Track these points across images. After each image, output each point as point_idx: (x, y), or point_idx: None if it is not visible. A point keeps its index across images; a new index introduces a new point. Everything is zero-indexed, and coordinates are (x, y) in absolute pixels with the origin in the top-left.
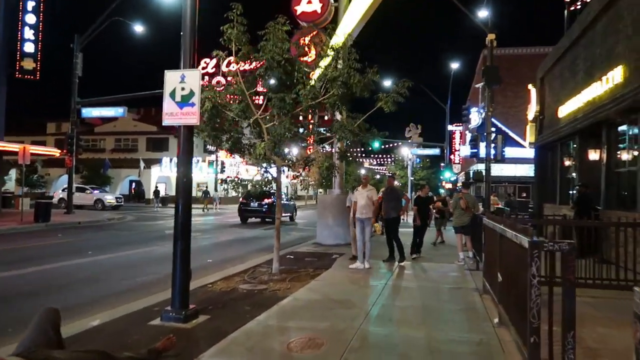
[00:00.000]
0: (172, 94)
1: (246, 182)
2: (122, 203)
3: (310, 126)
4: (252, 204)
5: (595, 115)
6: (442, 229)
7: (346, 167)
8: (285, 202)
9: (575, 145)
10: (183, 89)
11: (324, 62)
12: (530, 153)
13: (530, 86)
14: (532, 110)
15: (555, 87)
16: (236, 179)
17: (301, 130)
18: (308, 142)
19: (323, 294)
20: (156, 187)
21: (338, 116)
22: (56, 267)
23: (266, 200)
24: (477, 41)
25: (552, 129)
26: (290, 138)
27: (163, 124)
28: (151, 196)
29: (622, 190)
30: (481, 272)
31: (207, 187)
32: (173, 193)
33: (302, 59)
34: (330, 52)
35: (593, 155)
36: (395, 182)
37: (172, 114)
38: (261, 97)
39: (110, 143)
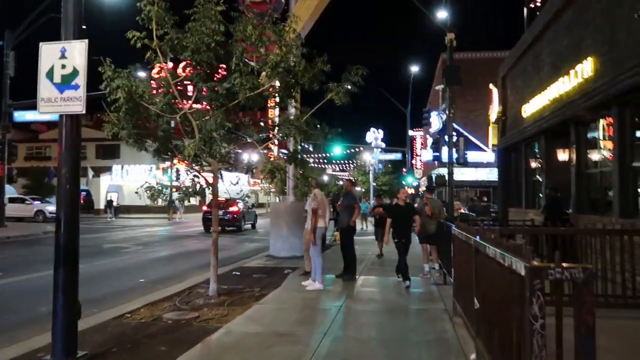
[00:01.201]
0: (50, 74)
1: (166, 189)
2: None
3: (252, 122)
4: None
5: (563, 112)
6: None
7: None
8: (246, 210)
9: (541, 146)
10: (64, 66)
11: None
12: (490, 157)
13: (491, 86)
14: (494, 111)
15: (518, 85)
16: (156, 185)
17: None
18: (248, 140)
19: (263, 324)
20: (109, 197)
21: (292, 110)
22: None
23: (231, 209)
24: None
25: (516, 130)
26: (224, 135)
27: (38, 112)
28: (101, 206)
29: (594, 193)
30: (450, 287)
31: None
32: (125, 202)
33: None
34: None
35: (562, 155)
36: (357, 188)
37: (50, 100)
38: (191, 87)
39: (55, 150)
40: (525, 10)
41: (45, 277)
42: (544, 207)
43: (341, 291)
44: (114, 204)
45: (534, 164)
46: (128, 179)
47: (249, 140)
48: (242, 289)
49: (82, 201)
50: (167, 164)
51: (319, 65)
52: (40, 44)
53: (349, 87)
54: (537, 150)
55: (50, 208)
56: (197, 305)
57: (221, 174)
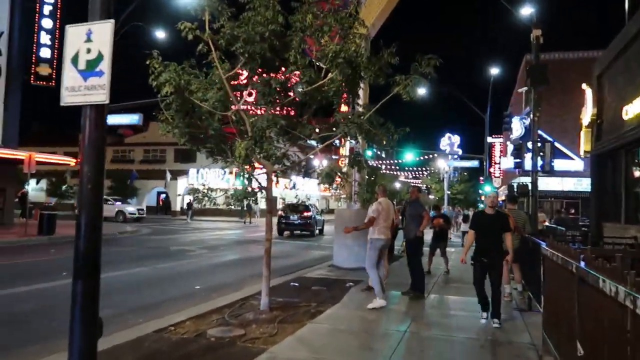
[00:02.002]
0: (75, 60)
1: (215, 193)
2: (145, 215)
3: (309, 120)
4: (291, 217)
5: None
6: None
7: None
8: (314, 216)
9: None
10: (89, 50)
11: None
12: (578, 166)
13: (584, 86)
14: (588, 113)
15: (618, 83)
16: (205, 190)
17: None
18: (306, 140)
19: (313, 349)
20: (188, 199)
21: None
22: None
23: (305, 214)
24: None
25: (615, 135)
26: (277, 134)
27: (62, 103)
28: (178, 208)
29: None
30: (536, 314)
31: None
32: (200, 205)
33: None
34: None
35: None
36: (431, 197)
37: (74, 89)
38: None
39: (139, 154)
40: None
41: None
42: None
43: (406, 312)
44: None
45: (637, 173)
46: (203, 181)
47: (309, 142)
48: (297, 303)
49: (160, 203)
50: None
51: (386, 57)
52: (67, 26)
53: (420, 79)
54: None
55: (130, 209)
56: (246, 320)
57: (277, 177)
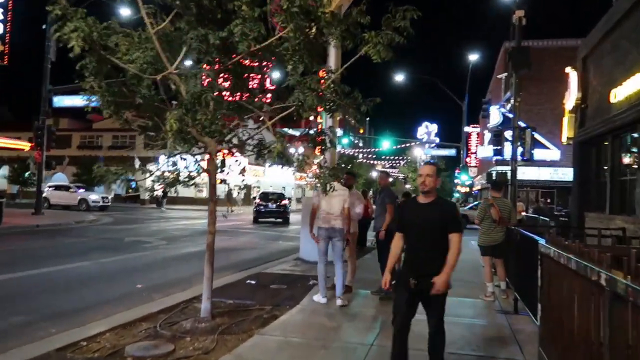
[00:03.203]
0: None
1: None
2: (109, 203)
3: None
4: (268, 205)
5: None
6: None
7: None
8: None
9: (637, 137)
10: None
11: None
12: (555, 155)
13: (568, 69)
14: (572, 98)
15: (605, 65)
16: (161, 176)
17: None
18: (255, 112)
19: None
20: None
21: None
22: None
23: (281, 202)
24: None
25: (601, 119)
26: (215, 102)
27: None
28: (147, 196)
29: None
30: (523, 317)
31: (229, 189)
32: (171, 193)
33: None
34: None
35: None
36: (407, 186)
37: None
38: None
39: (107, 140)
40: None
41: (25, 277)
42: None
43: (374, 317)
44: (158, 195)
45: (626, 160)
46: (172, 168)
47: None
48: (249, 307)
49: (129, 191)
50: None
51: (354, 15)
52: None
53: (393, 36)
54: (629, 143)
55: (94, 197)
56: (181, 331)
57: (223, 161)
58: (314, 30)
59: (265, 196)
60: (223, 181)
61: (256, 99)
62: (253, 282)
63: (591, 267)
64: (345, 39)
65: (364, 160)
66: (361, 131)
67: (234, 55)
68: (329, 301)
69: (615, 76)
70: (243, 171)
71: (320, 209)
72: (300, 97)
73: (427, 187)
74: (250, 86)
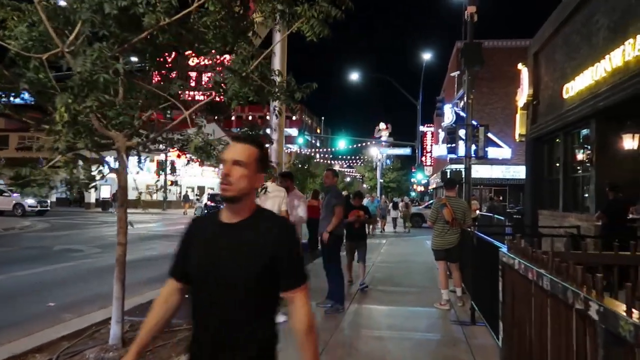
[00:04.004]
0: None
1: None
2: (48, 208)
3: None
4: (220, 206)
5: (635, 84)
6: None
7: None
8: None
9: (591, 132)
10: None
11: None
12: (506, 153)
13: (520, 66)
14: (524, 95)
15: (557, 61)
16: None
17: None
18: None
19: None
20: (112, 190)
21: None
22: None
23: None
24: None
25: (553, 115)
26: (129, 88)
27: None
28: (92, 200)
29: None
30: (480, 328)
31: (187, 191)
32: (114, 197)
33: None
34: None
35: (624, 143)
36: (365, 185)
37: None
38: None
39: (14, 140)
40: None
41: None
42: (602, 212)
43: (318, 335)
44: (107, 197)
45: (579, 156)
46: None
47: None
48: (175, 326)
49: (75, 195)
50: (163, 156)
51: None
52: None
53: (330, 9)
54: (582, 139)
55: (30, 201)
56: None
57: (140, 158)
58: (238, 2)
59: (212, 197)
60: (175, 182)
61: (186, 95)
62: (186, 295)
63: (573, 290)
64: (273, 15)
65: (321, 160)
66: (318, 131)
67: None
68: None
69: (567, 72)
70: (173, 170)
71: None
72: (218, 79)
73: (231, 190)
74: (168, 73)
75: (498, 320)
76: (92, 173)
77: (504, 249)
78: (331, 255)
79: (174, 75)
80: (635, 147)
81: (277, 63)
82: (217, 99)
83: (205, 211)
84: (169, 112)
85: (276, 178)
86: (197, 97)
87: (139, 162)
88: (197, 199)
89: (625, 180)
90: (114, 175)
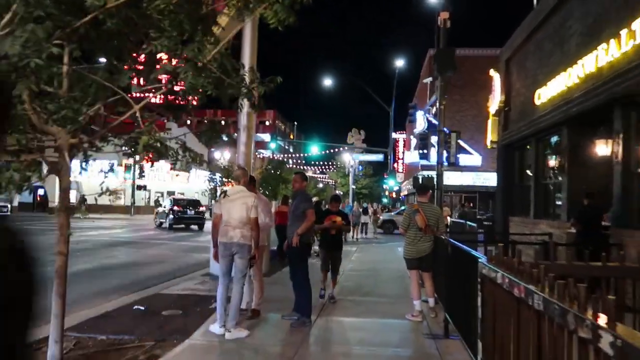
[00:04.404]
0: None
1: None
2: (8, 212)
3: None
4: (187, 211)
5: (606, 90)
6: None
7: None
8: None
9: (563, 139)
10: None
11: None
12: (477, 160)
13: (492, 72)
14: (496, 101)
15: (529, 67)
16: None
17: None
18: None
19: None
20: (80, 194)
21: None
22: None
23: (200, 209)
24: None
25: (524, 122)
26: (44, 68)
27: None
28: (56, 204)
29: None
30: (454, 342)
31: (158, 196)
32: (81, 201)
33: None
34: None
35: (598, 149)
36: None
37: None
38: None
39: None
40: None
41: None
42: (575, 219)
43: (282, 354)
44: (72, 202)
45: (551, 163)
46: (86, 175)
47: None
48: (124, 344)
49: (37, 198)
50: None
51: None
52: None
53: None
54: (554, 146)
55: None
56: None
57: (87, 160)
58: None
59: (180, 202)
60: (143, 187)
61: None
62: (142, 308)
63: (576, 315)
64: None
65: (294, 166)
66: (291, 137)
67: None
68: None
69: (539, 78)
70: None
71: (223, 219)
72: (169, 68)
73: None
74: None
75: (474, 336)
76: (28, 174)
77: (483, 259)
78: (298, 264)
79: (126, 68)
80: (609, 153)
81: (246, 59)
82: (175, 92)
83: (172, 216)
84: (120, 108)
85: (235, 181)
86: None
87: (85, 162)
88: (159, 204)
89: (597, 187)
90: (78, 179)
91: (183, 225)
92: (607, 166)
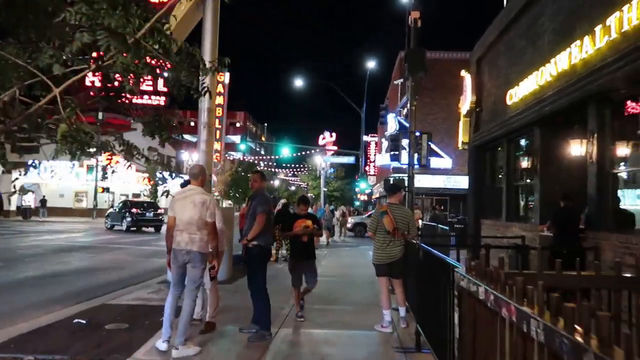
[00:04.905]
0: None
1: None
2: None
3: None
4: (147, 213)
5: (581, 87)
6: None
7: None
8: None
9: (535, 139)
10: None
11: None
12: (447, 163)
13: (463, 72)
14: (467, 101)
15: (500, 66)
16: None
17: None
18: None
19: None
20: (42, 195)
21: None
22: None
23: (159, 211)
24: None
25: (496, 123)
26: None
27: None
28: (12, 207)
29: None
30: (425, 356)
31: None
32: (42, 204)
33: None
34: None
35: (571, 150)
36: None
37: None
38: None
39: None
40: None
41: None
42: (551, 222)
43: None
44: (32, 204)
45: (524, 164)
46: (47, 176)
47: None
48: None
49: None
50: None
51: None
52: None
53: None
54: (525, 147)
55: None
56: None
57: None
58: None
59: (136, 204)
60: (106, 189)
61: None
62: (83, 321)
63: (599, 356)
64: None
65: (266, 168)
66: (263, 139)
67: None
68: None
69: (511, 77)
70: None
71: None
72: (86, 39)
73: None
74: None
75: (450, 354)
76: None
77: (460, 269)
78: (255, 271)
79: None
80: (582, 153)
81: (207, 46)
82: (100, 69)
83: (130, 219)
84: (39, 92)
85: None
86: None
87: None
88: (111, 205)
89: (571, 189)
90: (40, 181)
91: (135, 228)
92: (581, 167)
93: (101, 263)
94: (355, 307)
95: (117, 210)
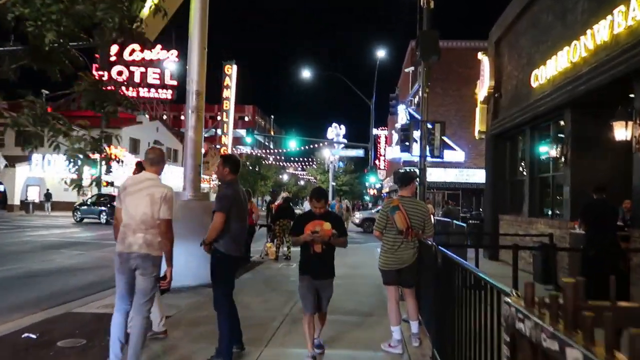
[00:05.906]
0: None
1: None
2: None
3: None
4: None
5: (628, 59)
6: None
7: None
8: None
9: (566, 124)
10: None
11: None
12: (460, 157)
13: (480, 55)
14: (484, 87)
15: (523, 46)
16: None
17: None
18: None
19: None
20: (46, 189)
21: None
22: None
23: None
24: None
25: (518, 108)
26: None
27: None
28: (17, 202)
29: None
30: None
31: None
32: (46, 198)
33: None
34: None
35: (616, 133)
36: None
37: None
38: None
39: None
40: None
41: None
42: (581, 217)
43: None
44: (34, 199)
45: (553, 152)
46: (50, 170)
47: None
48: None
49: None
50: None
51: None
52: None
53: None
54: (552, 134)
55: None
56: None
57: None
58: None
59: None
60: (110, 183)
61: None
62: (33, 336)
63: None
64: None
65: (274, 162)
66: (271, 132)
67: None
68: None
69: (536, 57)
70: None
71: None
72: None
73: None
74: None
75: None
76: None
77: (514, 299)
78: (217, 283)
79: None
80: (624, 138)
81: (195, 28)
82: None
83: (105, 209)
84: None
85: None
86: None
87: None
88: (84, 199)
89: (607, 179)
90: (43, 175)
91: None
92: (622, 154)
93: (87, 262)
94: (358, 318)
95: (90, 203)
